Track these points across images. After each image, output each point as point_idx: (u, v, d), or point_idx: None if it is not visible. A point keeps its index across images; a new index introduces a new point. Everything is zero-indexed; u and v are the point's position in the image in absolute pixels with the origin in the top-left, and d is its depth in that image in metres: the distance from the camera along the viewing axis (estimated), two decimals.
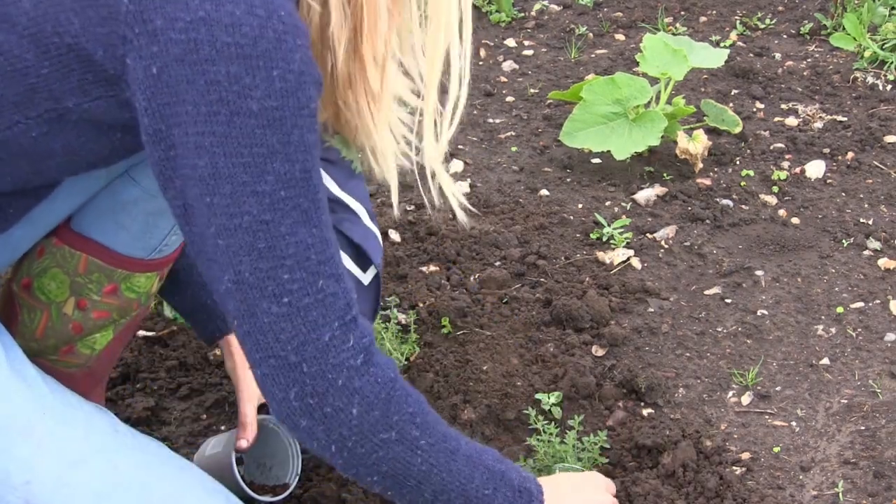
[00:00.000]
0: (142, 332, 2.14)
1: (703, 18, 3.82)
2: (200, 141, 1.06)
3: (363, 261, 1.43)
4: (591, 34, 3.73)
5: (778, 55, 3.52)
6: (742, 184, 2.75)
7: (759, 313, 2.25)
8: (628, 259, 2.43)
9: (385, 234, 2.49)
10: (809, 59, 3.47)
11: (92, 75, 1.11)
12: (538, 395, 1.97)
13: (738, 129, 2.94)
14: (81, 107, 1.13)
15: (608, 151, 2.78)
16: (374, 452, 1.19)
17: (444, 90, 1.22)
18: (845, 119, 3.08)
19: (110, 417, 1.34)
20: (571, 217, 2.60)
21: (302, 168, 1.10)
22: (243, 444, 1.65)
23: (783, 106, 3.18)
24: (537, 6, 3.96)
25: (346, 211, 1.40)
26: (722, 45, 3.55)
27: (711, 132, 2.96)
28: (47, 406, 1.24)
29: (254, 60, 1.05)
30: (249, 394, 1.68)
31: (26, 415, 1.22)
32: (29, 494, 1.20)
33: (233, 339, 1.71)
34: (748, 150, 2.92)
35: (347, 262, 1.42)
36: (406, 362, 2.04)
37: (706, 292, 2.33)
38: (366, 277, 1.44)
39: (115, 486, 1.25)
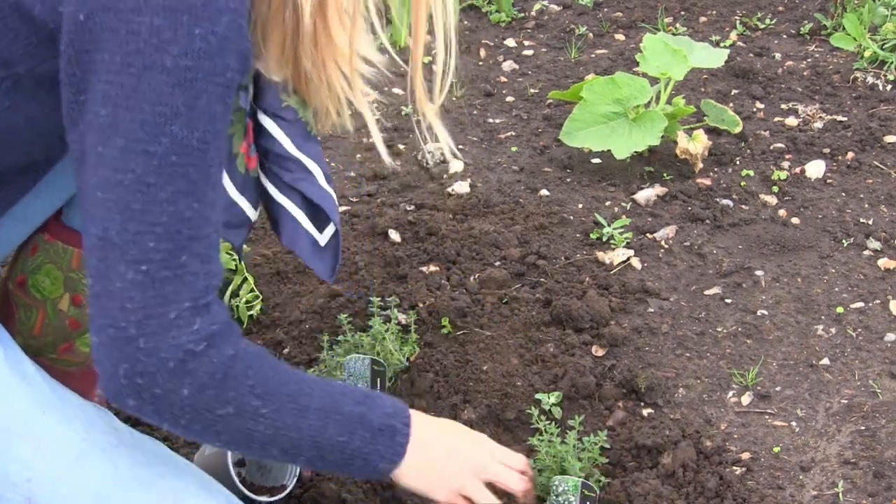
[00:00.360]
0: None
1: (703, 18, 3.82)
2: (108, 90, 1.06)
3: (320, 222, 1.42)
4: (591, 34, 3.73)
5: (778, 55, 3.52)
6: (742, 184, 2.75)
7: (759, 313, 2.25)
8: (628, 259, 2.43)
9: (385, 234, 2.49)
10: (809, 59, 3.47)
11: (36, 37, 1.11)
12: (538, 395, 1.97)
13: (738, 129, 2.94)
14: (34, 72, 1.13)
15: (608, 151, 2.78)
16: (212, 426, 1.16)
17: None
18: (845, 119, 3.07)
19: (109, 416, 1.34)
20: (571, 217, 2.60)
21: (201, 138, 1.09)
22: None
23: (783, 106, 3.18)
24: (537, 6, 3.95)
25: (303, 171, 1.39)
26: (722, 45, 3.55)
27: (711, 132, 2.95)
28: (46, 404, 1.24)
29: (179, 15, 1.04)
30: None
31: (25, 412, 1.23)
32: (29, 492, 1.20)
33: None
34: (748, 150, 2.92)
35: (304, 221, 1.41)
36: (406, 362, 2.04)
37: (706, 292, 2.33)
38: (322, 238, 1.42)
39: (114, 484, 1.26)
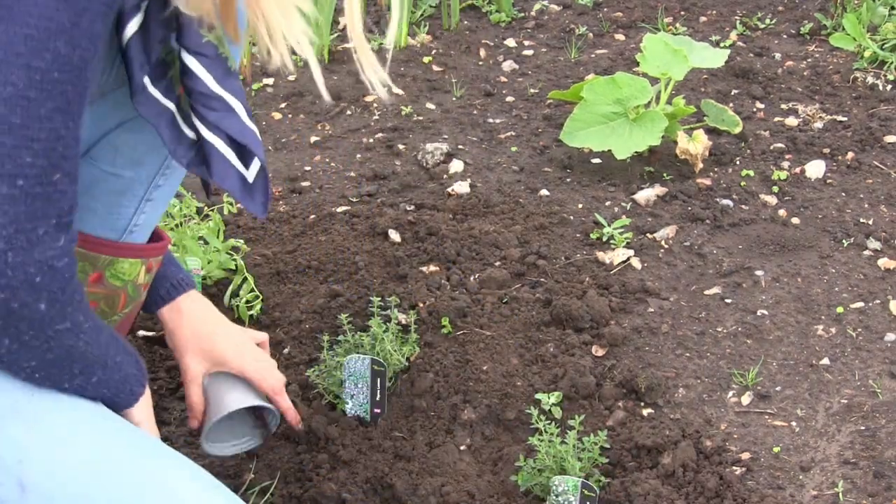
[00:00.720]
0: (142, 332, 2.14)
1: (703, 18, 3.82)
2: None
3: (246, 159, 1.42)
4: (591, 34, 3.73)
5: (778, 55, 3.52)
6: (742, 184, 2.75)
7: (759, 313, 2.25)
8: (628, 259, 2.43)
9: (385, 234, 2.49)
10: (809, 59, 3.47)
11: None
12: (538, 395, 1.97)
13: (738, 129, 2.94)
14: None
15: (608, 151, 2.78)
16: (46, 343, 1.18)
17: None
18: (845, 119, 3.08)
19: (97, 404, 1.33)
20: (571, 217, 2.60)
21: (81, 56, 1.10)
22: (194, 423, 1.69)
23: (783, 106, 3.18)
24: (537, 6, 3.95)
25: (225, 108, 1.38)
26: (722, 45, 3.55)
27: (711, 132, 2.96)
28: (35, 389, 1.24)
29: None
30: (193, 374, 1.70)
31: (14, 396, 1.22)
32: (22, 474, 1.19)
33: (169, 313, 1.71)
34: (748, 150, 2.92)
35: (233, 158, 1.40)
36: (406, 362, 2.04)
37: (706, 292, 2.33)
38: (250, 174, 1.42)
39: (106, 466, 1.25)
